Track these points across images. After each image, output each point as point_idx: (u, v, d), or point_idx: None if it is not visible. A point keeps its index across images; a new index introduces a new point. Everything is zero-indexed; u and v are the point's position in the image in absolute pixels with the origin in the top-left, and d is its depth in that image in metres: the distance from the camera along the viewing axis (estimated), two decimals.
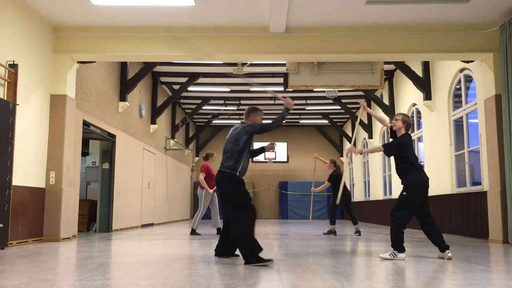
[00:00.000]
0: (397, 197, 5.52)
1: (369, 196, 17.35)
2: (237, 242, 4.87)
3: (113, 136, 10.92)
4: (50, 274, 4.02)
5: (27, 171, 7.24)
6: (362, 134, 17.86)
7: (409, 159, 5.36)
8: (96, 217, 10.75)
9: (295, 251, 6.15)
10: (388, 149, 5.51)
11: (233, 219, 4.84)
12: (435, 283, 3.67)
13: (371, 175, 16.67)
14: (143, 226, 13.25)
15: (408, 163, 5.37)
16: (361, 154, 5.59)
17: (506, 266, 4.87)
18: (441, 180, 10.23)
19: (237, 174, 4.98)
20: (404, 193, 5.31)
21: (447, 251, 5.19)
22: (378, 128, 15.72)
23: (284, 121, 5.32)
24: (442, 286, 3.57)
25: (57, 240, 7.63)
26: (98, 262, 4.92)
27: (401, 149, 5.40)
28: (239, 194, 4.94)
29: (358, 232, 9.47)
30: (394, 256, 5.15)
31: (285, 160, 21.12)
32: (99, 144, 11.15)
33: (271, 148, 5.52)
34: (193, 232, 9.43)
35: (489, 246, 7.01)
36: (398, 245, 5.20)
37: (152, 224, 14.24)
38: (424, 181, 5.33)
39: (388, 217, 5.42)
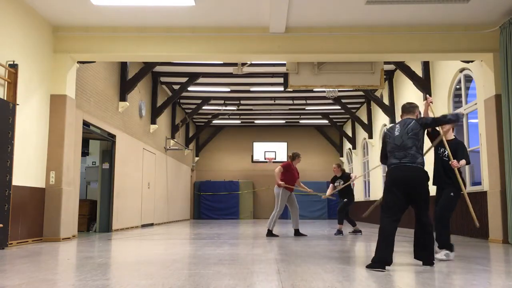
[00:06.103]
0: None
1: (369, 196, 17.35)
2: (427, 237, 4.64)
3: (113, 136, 10.92)
4: (50, 274, 4.02)
5: (27, 171, 7.24)
6: (362, 134, 17.86)
7: None
8: (96, 217, 10.75)
9: (295, 251, 6.15)
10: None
11: (429, 223, 4.61)
12: (435, 283, 3.67)
13: (371, 175, 16.67)
14: (143, 226, 13.25)
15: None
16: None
17: (506, 266, 4.87)
18: None
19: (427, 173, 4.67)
20: (452, 193, 5.33)
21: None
22: (378, 128, 15.71)
23: (452, 123, 4.99)
24: (442, 286, 3.57)
25: (57, 240, 7.63)
26: (98, 262, 4.92)
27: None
28: (429, 196, 4.70)
29: (356, 231, 9.71)
30: (448, 257, 5.10)
31: (285, 160, 21.11)
32: (99, 144, 11.15)
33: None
34: (270, 233, 8.74)
35: (489, 246, 7.01)
36: (449, 244, 5.20)
37: (152, 224, 14.24)
38: None
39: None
